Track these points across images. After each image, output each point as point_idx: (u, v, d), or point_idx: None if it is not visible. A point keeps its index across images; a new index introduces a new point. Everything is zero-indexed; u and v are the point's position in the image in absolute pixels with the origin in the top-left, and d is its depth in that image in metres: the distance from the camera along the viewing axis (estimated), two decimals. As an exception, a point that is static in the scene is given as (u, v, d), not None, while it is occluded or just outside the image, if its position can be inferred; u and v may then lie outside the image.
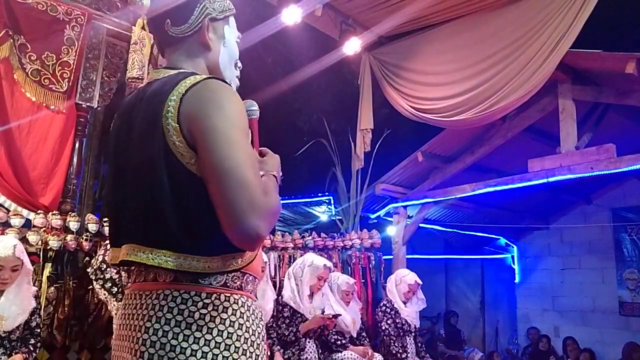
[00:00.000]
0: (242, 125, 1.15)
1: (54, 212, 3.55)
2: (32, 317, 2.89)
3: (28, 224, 3.45)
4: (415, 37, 5.31)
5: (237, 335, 1.15)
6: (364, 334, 4.45)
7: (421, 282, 4.63)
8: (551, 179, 4.86)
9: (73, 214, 3.63)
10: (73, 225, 3.52)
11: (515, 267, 8.56)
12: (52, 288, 3.34)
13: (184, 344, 1.11)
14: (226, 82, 1.24)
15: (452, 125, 5.13)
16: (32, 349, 2.88)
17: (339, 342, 4.08)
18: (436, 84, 5.02)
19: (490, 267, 8.94)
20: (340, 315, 3.95)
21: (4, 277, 2.70)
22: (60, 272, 3.41)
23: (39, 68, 3.69)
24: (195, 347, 1.11)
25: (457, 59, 4.86)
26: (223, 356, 1.12)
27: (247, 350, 1.16)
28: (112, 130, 1.34)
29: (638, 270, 7.20)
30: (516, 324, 8.42)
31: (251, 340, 1.18)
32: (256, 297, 1.30)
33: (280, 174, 1.35)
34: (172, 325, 1.12)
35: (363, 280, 4.98)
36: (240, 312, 1.18)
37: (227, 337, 1.14)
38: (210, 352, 1.11)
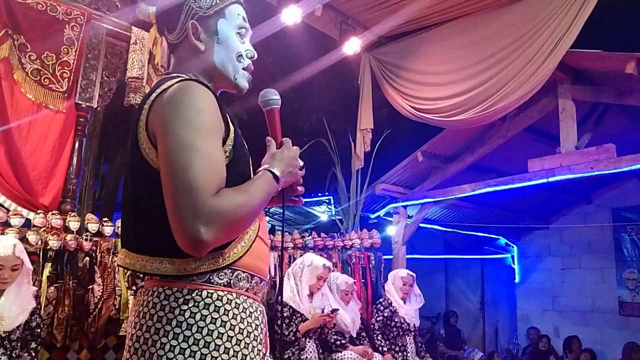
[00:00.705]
0: (201, 126, 1.11)
1: (54, 211, 3.55)
2: (32, 317, 2.89)
3: (28, 224, 3.45)
4: (415, 37, 5.31)
5: (219, 333, 1.12)
6: (363, 333, 4.45)
7: (414, 274, 4.63)
8: (551, 179, 4.86)
9: (73, 213, 3.63)
10: (73, 225, 3.52)
11: (515, 267, 8.56)
12: (52, 288, 3.34)
13: (164, 339, 1.10)
14: (200, 82, 1.20)
15: (452, 125, 5.13)
16: (33, 354, 2.88)
17: (338, 342, 4.08)
18: (436, 83, 5.02)
19: (490, 267, 8.95)
20: (338, 310, 3.95)
21: (4, 276, 2.71)
22: (60, 271, 3.40)
23: (39, 68, 3.69)
24: (174, 342, 1.10)
25: (457, 58, 4.86)
26: (201, 353, 1.09)
27: (232, 349, 1.13)
28: None
29: (638, 270, 7.20)
30: (516, 323, 8.42)
31: (237, 339, 1.14)
32: (257, 295, 1.26)
33: (298, 165, 1.31)
34: (154, 321, 1.13)
35: (363, 280, 4.98)
36: (225, 310, 1.14)
37: (207, 334, 1.11)
38: (188, 349, 1.09)
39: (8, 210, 3.45)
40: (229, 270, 1.18)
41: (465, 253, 8.79)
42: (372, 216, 6.78)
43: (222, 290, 1.16)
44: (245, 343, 1.15)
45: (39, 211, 3.50)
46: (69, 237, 3.47)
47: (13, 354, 2.77)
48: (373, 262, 5.11)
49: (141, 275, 1.25)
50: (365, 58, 5.65)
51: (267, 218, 2.26)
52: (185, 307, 1.12)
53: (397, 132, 6.74)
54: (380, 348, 4.32)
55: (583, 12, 4.04)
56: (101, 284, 3.57)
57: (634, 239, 7.29)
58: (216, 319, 1.13)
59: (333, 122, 6.59)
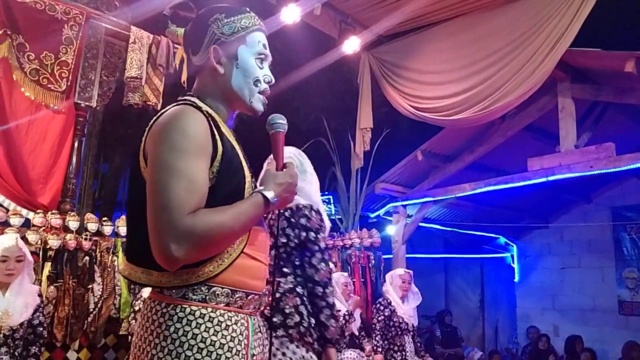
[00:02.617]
0: (183, 148, 1.17)
1: (53, 211, 3.55)
2: (35, 315, 2.89)
3: (27, 223, 3.45)
4: (414, 36, 5.31)
5: (190, 345, 1.18)
6: (363, 333, 4.45)
7: (411, 272, 4.63)
8: (551, 178, 4.86)
9: (72, 213, 3.63)
10: (72, 224, 3.52)
11: (515, 266, 8.56)
12: (52, 287, 3.34)
13: (151, 350, 1.19)
14: (193, 105, 1.27)
15: (451, 124, 5.13)
16: None
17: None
18: (436, 82, 5.02)
19: (489, 266, 8.95)
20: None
21: (10, 267, 2.74)
22: (59, 271, 3.41)
23: (38, 67, 3.69)
24: (154, 352, 1.18)
25: (457, 57, 4.86)
26: None
27: None
28: None
29: (637, 269, 7.20)
30: (516, 323, 8.42)
31: (208, 351, 1.19)
32: (243, 309, 1.28)
33: (295, 191, 1.36)
34: (143, 331, 1.23)
35: (363, 280, 4.98)
36: (198, 323, 1.20)
37: (180, 346, 1.17)
38: (163, 359, 1.18)
39: (7, 210, 3.45)
40: (205, 287, 1.23)
41: (465, 252, 8.79)
42: (372, 215, 6.78)
43: (196, 306, 1.21)
44: (217, 354, 1.20)
45: (38, 211, 3.50)
46: (68, 236, 3.47)
47: (16, 353, 2.77)
48: (373, 261, 5.11)
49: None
50: (365, 57, 5.65)
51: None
52: (162, 319, 1.20)
53: (397, 131, 6.74)
54: (376, 348, 4.32)
55: (582, 11, 4.04)
56: (101, 283, 3.57)
57: (633, 238, 7.29)
58: (188, 331, 1.19)
59: (332, 121, 6.59)
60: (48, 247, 3.38)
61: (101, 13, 4.04)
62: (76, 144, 3.87)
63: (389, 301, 4.47)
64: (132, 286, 3.72)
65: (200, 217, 1.14)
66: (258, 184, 1.34)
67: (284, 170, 1.35)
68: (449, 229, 7.76)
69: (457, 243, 8.69)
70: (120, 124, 7.21)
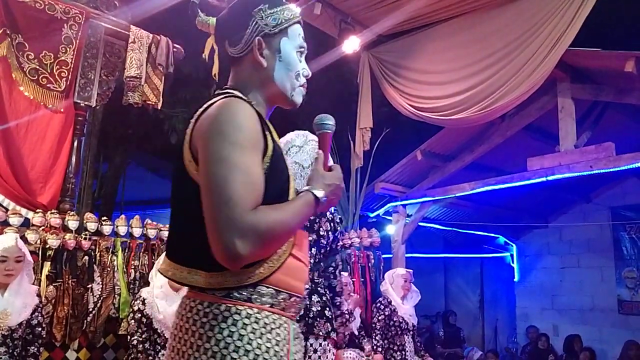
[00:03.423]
0: (239, 141, 1.13)
1: (53, 210, 3.55)
2: (34, 315, 2.89)
3: (27, 223, 3.45)
4: (414, 35, 5.31)
5: (235, 346, 1.12)
6: (362, 332, 4.44)
7: (411, 271, 4.64)
8: (550, 178, 4.86)
9: (72, 212, 3.62)
10: (72, 224, 3.52)
11: (515, 265, 8.56)
12: (51, 287, 3.34)
13: (189, 351, 1.14)
14: (242, 98, 1.22)
15: (451, 124, 5.13)
16: None
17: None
18: (435, 82, 5.02)
19: (489, 266, 8.95)
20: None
21: (9, 267, 2.72)
22: (59, 270, 3.40)
23: (37, 67, 3.69)
24: (196, 355, 1.12)
25: (457, 57, 4.86)
26: None
27: None
28: None
29: (637, 269, 7.21)
30: (515, 322, 8.42)
31: (255, 354, 1.13)
32: (285, 312, 1.24)
33: (341, 195, 1.34)
34: (183, 332, 1.17)
35: (362, 279, 4.98)
36: (243, 324, 1.14)
37: (224, 347, 1.12)
38: None
39: (7, 210, 3.45)
40: (251, 287, 1.18)
41: (465, 252, 8.79)
42: (372, 215, 6.77)
43: (241, 305, 1.16)
44: (264, 358, 1.14)
45: (37, 210, 3.50)
46: (67, 236, 3.46)
47: (15, 353, 2.77)
48: (372, 261, 5.11)
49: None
50: (365, 57, 5.65)
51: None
52: (205, 319, 1.14)
53: (397, 130, 6.74)
54: (375, 347, 4.32)
55: (582, 11, 4.04)
56: (100, 282, 3.57)
57: (633, 238, 7.29)
58: (234, 332, 1.13)
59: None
60: (47, 246, 3.38)
61: (101, 12, 4.03)
62: (76, 144, 3.86)
63: (389, 300, 4.47)
64: (131, 285, 3.72)
65: (263, 214, 1.10)
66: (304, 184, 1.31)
67: (332, 171, 1.33)
68: (448, 228, 7.76)
69: (456, 242, 8.69)
70: (120, 123, 7.21)
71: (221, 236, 1.05)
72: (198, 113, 1.22)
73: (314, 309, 2.13)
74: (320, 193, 1.24)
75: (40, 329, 2.94)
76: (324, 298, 2.17)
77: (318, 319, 2.13)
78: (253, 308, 1.17)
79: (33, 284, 3.06)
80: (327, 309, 2.15)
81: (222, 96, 1.24)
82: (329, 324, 2.13)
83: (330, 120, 1.40)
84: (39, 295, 3.02)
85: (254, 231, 1.06)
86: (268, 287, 1.19)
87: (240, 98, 1.23)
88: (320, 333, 2.12)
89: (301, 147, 2.35)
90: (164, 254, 1.32)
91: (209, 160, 1.12)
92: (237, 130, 1.14)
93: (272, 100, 1.37)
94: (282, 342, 1.20)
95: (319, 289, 2.18)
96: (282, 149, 2.26)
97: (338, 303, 2.17)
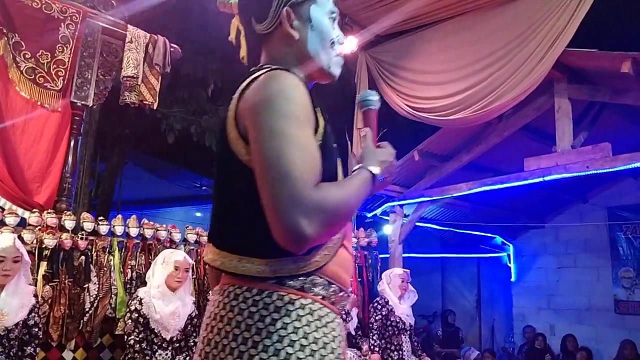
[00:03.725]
0: (294, 114, 1.02)
1: (49, 210, 3.54)
2: (30, 315, 2.87)
3: (23, 223, 3.44)
4: (411, 36, 5.31)
5: (291, 341, 1.02)
6: (360, 332, 4.45)
7: (408, 271, 4.65)
8: (547, 178, 4.87)
9: (68, 212, 3.62)
10: (68, 223, 3.51)
11: (511, 265, 8.58)
12: (48, 287, 3.33)
13: (233, 344, 1.03)
14: (288, 71, 1.12)
15: (448, 124, 5.13)
16: None
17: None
18: (433, 83, 5.02)
19: (486, 266, 8.96)
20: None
21: (6, 268, 2.71)
22: (55, 270, 3.40)
23: (34, 66, 3.68)
24: (242, 348, 1.02)
25: (454, 58, 4.86)
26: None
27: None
28: None
29: (633, 269, 7.23)
30: (512, 322, 8.44)
31: (311, 349, 1.03)
32: (334, 306, 1.13)
33: (393, 167, 1.24)
34: (224, 323, 1.06)
35: (359, 279, 4.98)
36: (298, 315, 1.04)
37: (277, 341, 1.01)
38: (257, 356, 1.00)
39: (3, 209, 3.44)
40: (305, 275, 1.07)
41: (462, 252, 8.80)
42: (369, 215, 6.77)
43: (295, 294, 1.06)
44: (321, 355, 1.04)
45: (34, 210, 3.49)
46: (64, 235, 3.46)
47: (11, 353, 2.76)
48: (369, 261, 5.11)
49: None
50: (362, 57, 5.65)
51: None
52: (254, 309, 1.04)
53: (394, 131, 6.71)
54: (372, 347, 4.33)
55: (579, 12, 4.05)
56: (97, 282, 3.56)
57: (629, 238, 7.31)
58: (288, 324, 1.03)
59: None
60: (44, 246, 3.37)
61: (98, 12, 4.03)
62: (72, 143, 3.86)
63: (386, 300, 4.47)
64: (128, 285, 3.71)
65: (327, 190, 0.99)
66: (355, 162, 1.20)
67: (384, 149, 1.24)
68: (445, 228, 7.76)
69: (453, 242, 8.69)
70: (117, 123, 7.19)
71: (284, 215, 0.94)
72: (241, 88, 1.12)
73: None
74: (376, 170, 1.16)
75: (37, 329, 2.93)
76: None
77: None
78: (307, 298, 1.06)
79: (30, 284, 3.05)
80: None
81: (264, 70, 1.13)
82: None
83: (374, 96, 1.28)
84: (35, 295, 3.01)
85: (319, 209, 0.95)
86: (321, 278, 1.09)
87: (287, 70, 1.12)
88: None
89: None
90: (208, 243, 1.20)
91: (262, 135, 1.01)
92: (290, 103, 1.04)
93: (309, 75, 1.26)
94: (338, 338, 1.10)
95: None
96: None
97: None
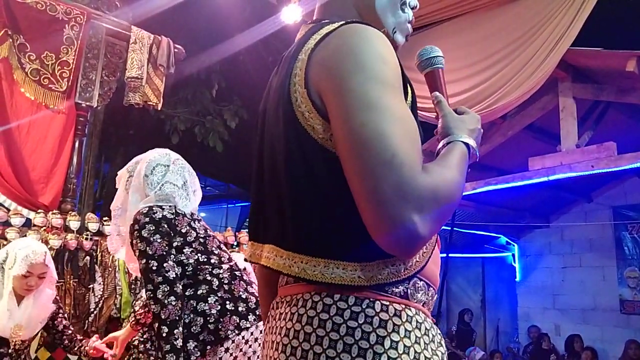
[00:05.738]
0: (388, 80, 0.81)
1: (54, 211, 3.56)
2: (54, 323, 2.71)
3: (28, 223, 3.46)
4: (414, 36, 5.29)
5: None
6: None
7: None
8: (552, 177, 4.85)
9: (73, 213, 3.63)
10: (73, 224, 3.53)
11: (516, 265, 8.56)
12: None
13: None
14: (372, 26, 0.89)
15: (452, 124, 5.12)
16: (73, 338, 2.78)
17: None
18: (436, 82, 5.01)
19: (491, 266, 8.95)
20: None
21: (31, 284, 2.53)
22: (60, 271, 3.41)
23: (39, 68, 3.70)
24: None
25: (457, 57, 4.85)
26: None
27: None
28: (259, 113, 1.06)
29: (639, 269, 7.20)
30: (517, 322, 8.41)
31: None
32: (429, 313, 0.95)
33: (480, 136, 1.01)
34: (311, 342, 0.82)
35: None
36: (406, 330, 0.82)
37: None
38: None
39: (8, 210, 3.46)
40: (407, 280, 0.87)
41: (466, 251, 8.79)
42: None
43: (399, 304, 0.84)
44: None
45: (39, 211, 3.51)
46: (69, 236, 3.47)
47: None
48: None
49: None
50: (366, 57, 5.64)
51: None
52: (353, 323, 0.81)
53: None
54: None
55: (584, 10, 4.04)
56: (102, 283, 3.58)
57: (634, 237, 7.28)
58: (396, 342, 0.81)
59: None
60: (49, 246, 3.37)
61: (102, 13, 4.04)
62: (77, 144, 3.88)
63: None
64: (132, 286, 3.72)
65: (438, 175, 0.78)
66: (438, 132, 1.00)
67: (465, 114, 1.04)
68: (449, 228, 7.75)
69: (458, 242, 8.68)
70: (121, 124, 7.22)
71: (391, 211, 0.73)
72: (311, 46, 0.88)
73: None
74: (471, 141, 0.95)
75: (70, 332, 2.74)
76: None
77: None
78: (411, 308, 0.86)
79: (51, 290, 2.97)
80: None
81: (339, 24, 0.89)
82: None
83: (438, 52, 1.09)
84: (56, 300, 2.92)
85: (433, 199, 0.75)
86: (422, 280, 0.90)
87: (368, 24, 0.89)
88: None
89: (168, 167, 2.22)
90: (255, 243, 1.00)
91: (351, 106, 0.78)
92: (384, 64, 0.82)
93: None
94: (445, 355, 0.90)
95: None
96: (144, 171, 2.07)
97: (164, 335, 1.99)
